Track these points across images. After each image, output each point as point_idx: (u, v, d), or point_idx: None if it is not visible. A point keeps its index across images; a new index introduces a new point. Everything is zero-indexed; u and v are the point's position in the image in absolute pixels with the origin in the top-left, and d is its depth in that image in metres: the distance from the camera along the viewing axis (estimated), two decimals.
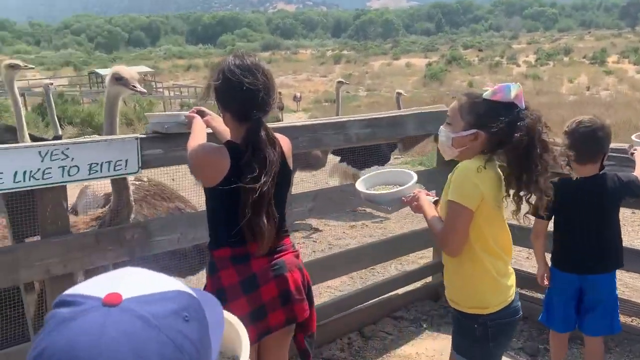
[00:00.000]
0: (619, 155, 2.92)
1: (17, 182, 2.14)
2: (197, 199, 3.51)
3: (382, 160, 7.18)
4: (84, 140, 2.42)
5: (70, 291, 0.71)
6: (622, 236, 2.74)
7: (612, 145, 2.68)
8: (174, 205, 3.73)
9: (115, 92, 2.68)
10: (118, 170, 2.40)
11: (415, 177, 2.28)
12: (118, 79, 2.66)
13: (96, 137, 2.58)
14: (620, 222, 2.75)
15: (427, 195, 2.23)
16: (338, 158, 7.23)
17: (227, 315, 1.02)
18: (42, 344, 0.65)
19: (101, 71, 32.17)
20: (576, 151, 2.34)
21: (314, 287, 2.30)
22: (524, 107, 1.96)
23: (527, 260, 4.81)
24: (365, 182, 2.39)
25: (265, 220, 1.91)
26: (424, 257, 4.96)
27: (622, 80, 28.36)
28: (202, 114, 2.36)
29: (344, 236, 6.35)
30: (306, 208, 3.21)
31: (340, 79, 8.24)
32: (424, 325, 3.82)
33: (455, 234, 1.98)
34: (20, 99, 5.26)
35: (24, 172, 2.14)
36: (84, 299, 0.68)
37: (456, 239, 1.99)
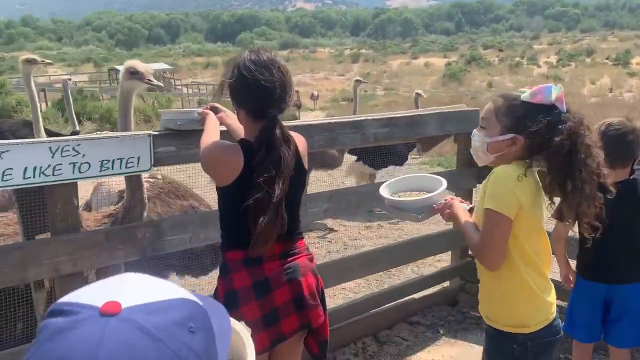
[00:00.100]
0: None
1: (27, 178, 2.10)
2: (212, 196, 3.46)
3: (400, 160, 7.07)
4: (96, 136, 2.37)
5: (65, 299, 0.65)
6: None
7: None
8: (188, 204, 3.69)
9: (129, 87, 2.63)
10: (130, 167, 2.35)
11: (445, 183, 2.14)
12: (133, 73, 2.61)
13: (108, 134, 2.54)
14: None
15: (461, 202, 2.09)
16: (354, 157, 7.14)
17: (233, 322, 0.95)
18: (34, 356, 0.60)
19: (121, 68, 32.39)
20: (605, 155, 2.23)
21: (328, 289, 2.21)
22: (565, 109, 1.85)
23: None
24: (390, 188, 2.24)
25: (269, 221, 1.81)
26: (441, 259, 4.86)
27: None
28: (216, 110, 2.30)
29: (359, 237, 6.27)
30: (321, 209, 3.14)
31: (358, 78, 8.14)
32: (441, 331, 3.73)
33: (494, 245, 1.85)
34: (40, 94, 5.29)
35: (34, 168, 2.10)
36: (80, 308, 0.62)
37: (495, 250, 1.85)
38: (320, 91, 27.57)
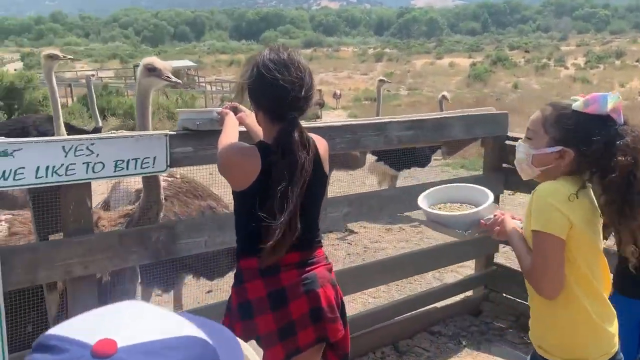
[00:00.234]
0: None
1: (39, 178, 2.03)
2: (231, 196, 3.38)
3: (423, 161, 6.91)
4: (111, 135, 2.30)
5: (54, 331, 0.56)
6: None
7: None
8: (206, 204, 3.62)
9: (147, 84, 2.57)
10: (145, 168, 2.28)
11: (491, 195, 1.94)
12: (151, 69, 2.54)
13: (124, 133, 2.47)
14: None
15: (512, 218, 1.89)
16: (374, 157, 6.99)
17: (244, 348, 0.85)
18: None
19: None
20: None
21: (347, 296, 2.09)
22: (622, 121, 1.68)
23: None
24: (429, 198, 2.04)
25: (281, 231, 1.68)
26: (463, 265, 4.71)
27: None
28: (235, 110, 2.22)
29: (379, 239, 6.15)
30: (341, 213, 3.03)
31: (381, 77, 8.00)
32: (463, 342, 3.59)
33: (549, 271, 1.65)
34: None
35: (47, 168, 2.04)
36: (69, 344, 0.54)
37: (550, 277, 1.66)
38: (343, 90, 27.46)
